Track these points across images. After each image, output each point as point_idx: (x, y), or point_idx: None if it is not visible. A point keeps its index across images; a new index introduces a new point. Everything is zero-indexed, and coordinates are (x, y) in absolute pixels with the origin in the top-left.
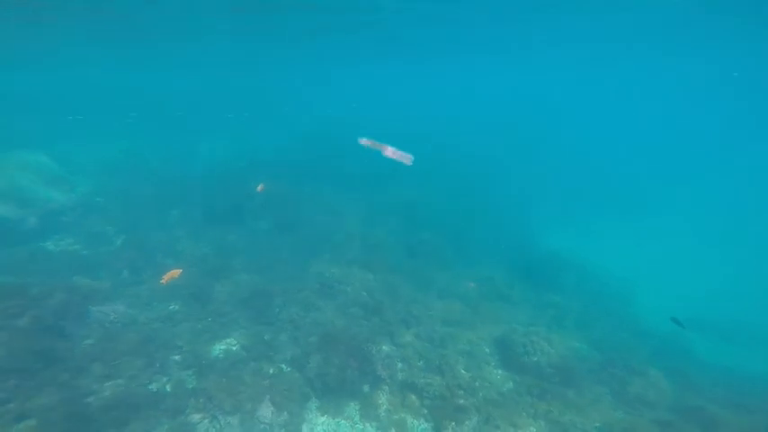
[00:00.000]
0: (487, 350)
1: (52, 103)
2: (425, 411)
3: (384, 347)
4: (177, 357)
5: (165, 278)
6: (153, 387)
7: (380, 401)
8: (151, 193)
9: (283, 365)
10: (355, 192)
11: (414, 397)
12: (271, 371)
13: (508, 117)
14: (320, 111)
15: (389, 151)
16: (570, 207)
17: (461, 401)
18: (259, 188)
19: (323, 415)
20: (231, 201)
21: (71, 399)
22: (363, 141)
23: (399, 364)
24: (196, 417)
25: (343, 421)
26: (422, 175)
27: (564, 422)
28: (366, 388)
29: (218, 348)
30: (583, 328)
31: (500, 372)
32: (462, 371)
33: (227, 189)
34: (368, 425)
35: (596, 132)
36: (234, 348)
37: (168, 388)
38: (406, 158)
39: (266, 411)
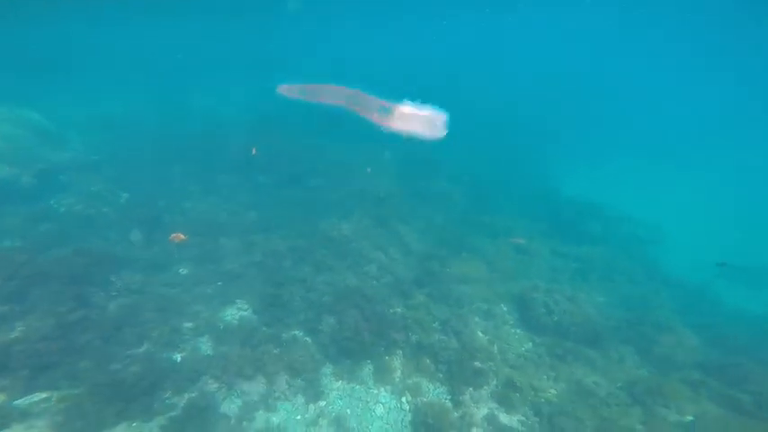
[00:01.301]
0: (505, 308)
1: (42, 59)
2: (441, 375)
3: (398, 309)
4: (190, 324)
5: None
6: (172, 355)
7: (394, 365)
8: (150, 149)
9: (296, 331)
10: (364, 143)
11: (428, 361)
12: (283, 336)
13: (515, 68)
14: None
15: (406, 112)
16: (591, 154)
17: (478, 365)
18: (253, 151)
19: (337, 380)
20: (235, 155)
21: (107, 366)
22: (305, 89)
23: (413, 327)
24: (213, 386)
25: (357, 386)
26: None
27: (587, 384)
28: (380, 352)
29: (230, 314)
30: (608, 282)
31: (519, 332)
32: (479, 332)
33: (230, 144)
34: (382, 389)
35: (615, 78)
36: (245, 313)
37: (185, 356)
38: (433, 124)
39: (281, 379)
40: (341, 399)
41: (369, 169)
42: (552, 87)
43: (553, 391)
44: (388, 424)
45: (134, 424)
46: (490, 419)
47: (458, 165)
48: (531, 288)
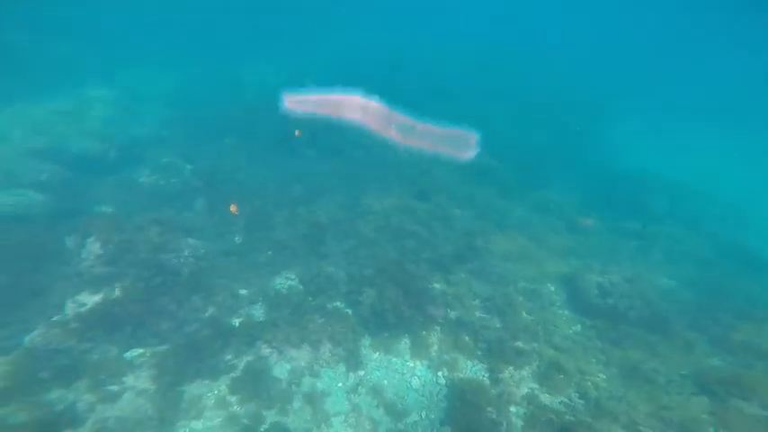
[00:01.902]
0: (552, 288)
1: (99, 31)
2: (480, 353)
3: (437, 285)
4: (245, 291)
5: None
6: (231, 320)
7: (431, 341)
8: (206, 122)
9: (338, 302)
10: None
11: (467, 338)
12: (327, 306)
13: (553, 34)
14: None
15: (430, 131)
16: (656, 123)
17: (521, 345)
18: (297, 133)
19: (375, 352)
20: (280, 128)
21: (183, 328)
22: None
23: (453, 303)
24: (266, 350)
25: (394, 359)
26: (476, 95)
27: (644, 370)
28: (418, 326)
29: (279, 283)
30: (675, 262)
31: (567, 313)
32: (523, 312)
33: (275, 116)
34: (418, 363)
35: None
36: (292, 283)
37: (242, 321)
38: (462, 144)
39: (325, 347)
40: (378, 370)
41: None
42: (600, 51)
43: (603, 375)
44: (423, 396)
45: (206, 381)
46: (530, 399)
47: (501, 138)
48: (583, 268)
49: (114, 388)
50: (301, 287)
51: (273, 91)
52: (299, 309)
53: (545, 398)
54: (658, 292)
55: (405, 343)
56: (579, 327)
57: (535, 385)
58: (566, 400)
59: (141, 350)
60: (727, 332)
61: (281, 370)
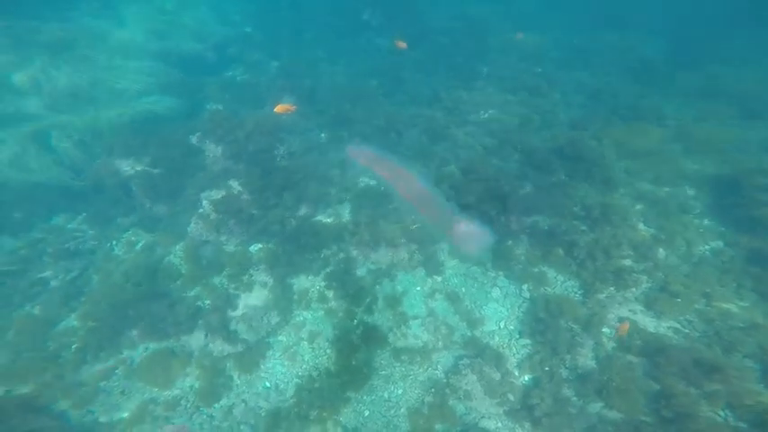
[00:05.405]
0: (691, 192)
1: None
2: (574, 268)
3: (528, 188)
4: (333, 190)
5: (279, 109)
6: (322, 218)
7: (517, 252)
8: (284, 18)
9: None
10: None
11: (561, 251)
12: (406, 206)
13: None
14: None
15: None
16: None
17: (628, 263)
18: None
19: (453, 258)
20: (353, 19)
21: (285, 225)
22: None
23: (546, 209)
24: (354, 251)
25: (474, 267)
26: None
27: None
28: (502, 235)
29: (363, 181)
30: None
31: (706, 223)
32: (640, 224)
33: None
34: (500, 273)
35: None
36: (372, 183)
37: (331, 221)
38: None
39: (404, 251)
40: (456, 277)
41: (520, 34)
42: None
43: (740, 302)
44: (503, 307)
45: (309, 277)
46: (630, 321)
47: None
48: (751, 170)
49: (247, 279)
50: (381, 188)
51: None
52: (380, 208)
53: (649, 321)
54: None
55: (486, 252)
56: (721, 243)
57: (639, 307)
58: (677, 325)
59: (260, 245)
60: None
61: (364, 270)
